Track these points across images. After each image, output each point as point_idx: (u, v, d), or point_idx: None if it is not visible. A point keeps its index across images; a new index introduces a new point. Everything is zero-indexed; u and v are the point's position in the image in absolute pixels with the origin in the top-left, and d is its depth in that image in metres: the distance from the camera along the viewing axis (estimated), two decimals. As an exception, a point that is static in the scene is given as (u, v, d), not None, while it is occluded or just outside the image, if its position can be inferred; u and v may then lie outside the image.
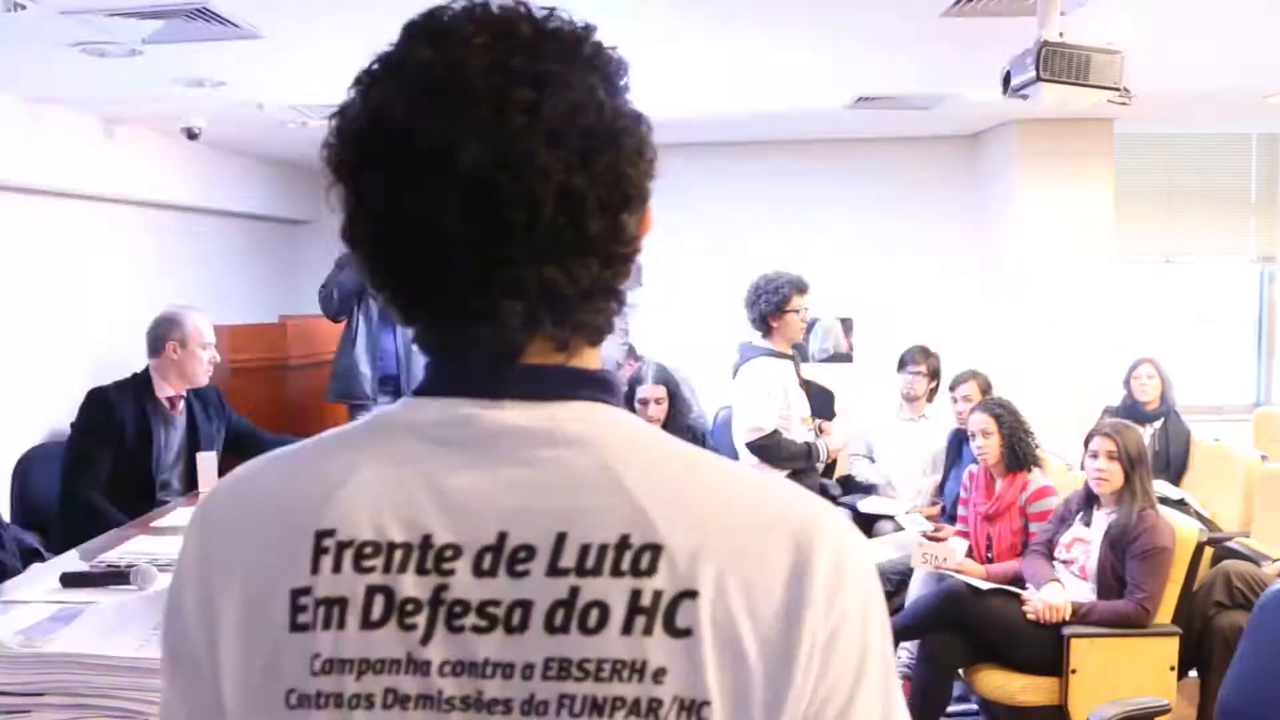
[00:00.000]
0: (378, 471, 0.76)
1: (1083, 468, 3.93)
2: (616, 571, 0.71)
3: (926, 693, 3.87)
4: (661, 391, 4.74)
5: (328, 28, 3.59)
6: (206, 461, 3.77)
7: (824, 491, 5.40)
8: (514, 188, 0.72)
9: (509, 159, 0.71)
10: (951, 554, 4.16)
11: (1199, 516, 4.67)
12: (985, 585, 3.84)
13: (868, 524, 5.15)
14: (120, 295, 5.38)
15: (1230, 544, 4.47)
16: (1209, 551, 4.13)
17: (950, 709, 3.97)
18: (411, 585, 0.73)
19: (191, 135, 5.18)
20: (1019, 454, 4.18)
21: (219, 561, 0.79)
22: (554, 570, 0.72)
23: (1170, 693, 3.45)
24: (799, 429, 4.54)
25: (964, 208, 6.76)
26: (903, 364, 5.37)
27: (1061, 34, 3.06)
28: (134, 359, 4.18)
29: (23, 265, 4.69)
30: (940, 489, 5.20)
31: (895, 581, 4.72)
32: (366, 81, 0.78)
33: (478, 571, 0.73)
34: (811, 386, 4.88)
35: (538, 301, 0.75)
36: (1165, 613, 3.64)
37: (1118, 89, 3.10)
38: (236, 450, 3.94)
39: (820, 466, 4.75)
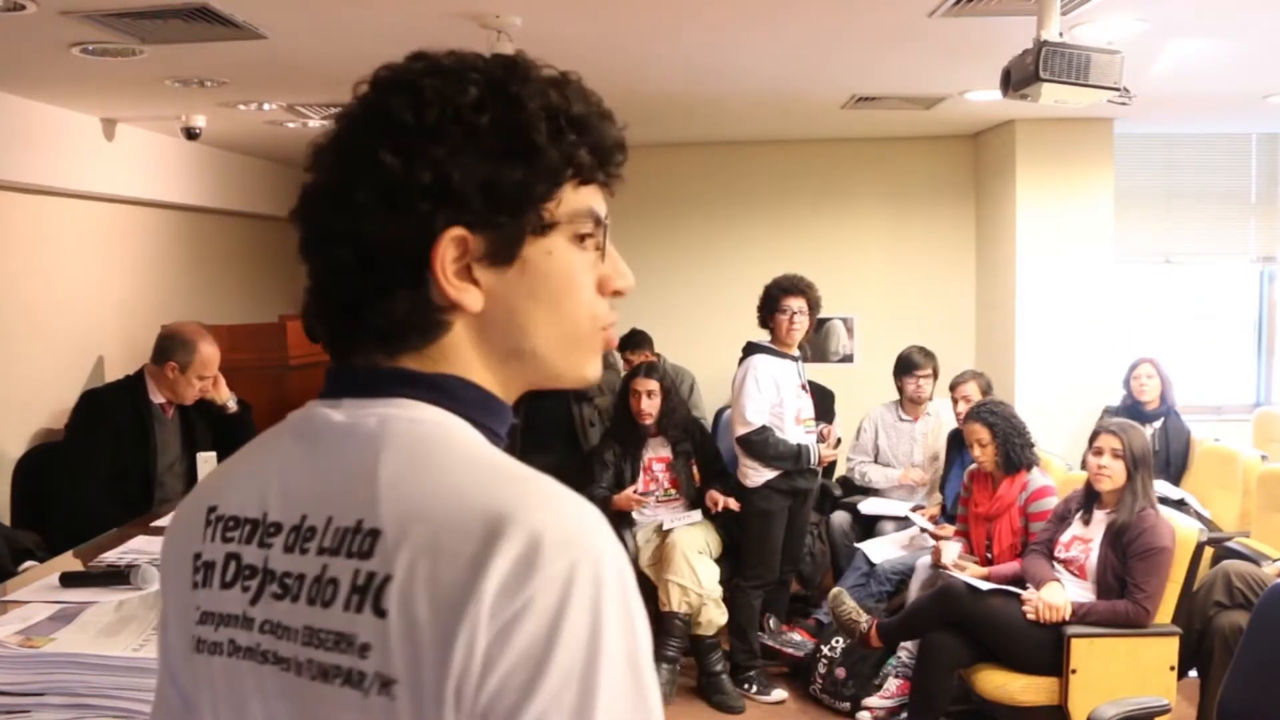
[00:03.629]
0: (256, 461, 0.91)
1: (1084, 466, 3.93)
2: (349, 552, 0.79)
3: (926, 692, 3.87)
4: (653, 385, 4.74)
5: (328, 28, 3.59)
6: (206, 462, 3.77)
7: (825, 492, 5.41)
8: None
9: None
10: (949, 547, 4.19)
11: (1199, 516, 4.67)
12: (985, 585, 3.84)
13: (869, 524, 5.15)
14: (120, 295, 5.38)
15: (1230, 544, 4.47)
16: (1209, 551, 4.13)
17: (950, 709, 3.97)
18: (251, 554, 0.85)
19: (191, 135, 5.18)
20: (1014, 456, 4.18)
21: (170, 537, 0.95)
22: (320, 549, 0.81)
23: (1170, 693, 3.45)
24: (793, 429, 4.53)
25: (964, 208, 6.76)
26: (908, 368, 5.35)
27: (1061, 34, 3.06)
28: (134, 359, 4.18)
29: (22, 265, 4.69)
30: (940, 488, 5.20)
31: (895, 581, 4.72)
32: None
33: (286, 547, 0.83)
34: (811, 387, 4.88)
35: (332, 312, 0.87)
36: (1165, 613, 3.64)
37: (1118, 89, 3.10)
38: (225, 443, 3.95)
39: (816, 470, 4.74)
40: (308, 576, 0.81)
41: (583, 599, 0.73)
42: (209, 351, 3.93)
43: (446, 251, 0.82)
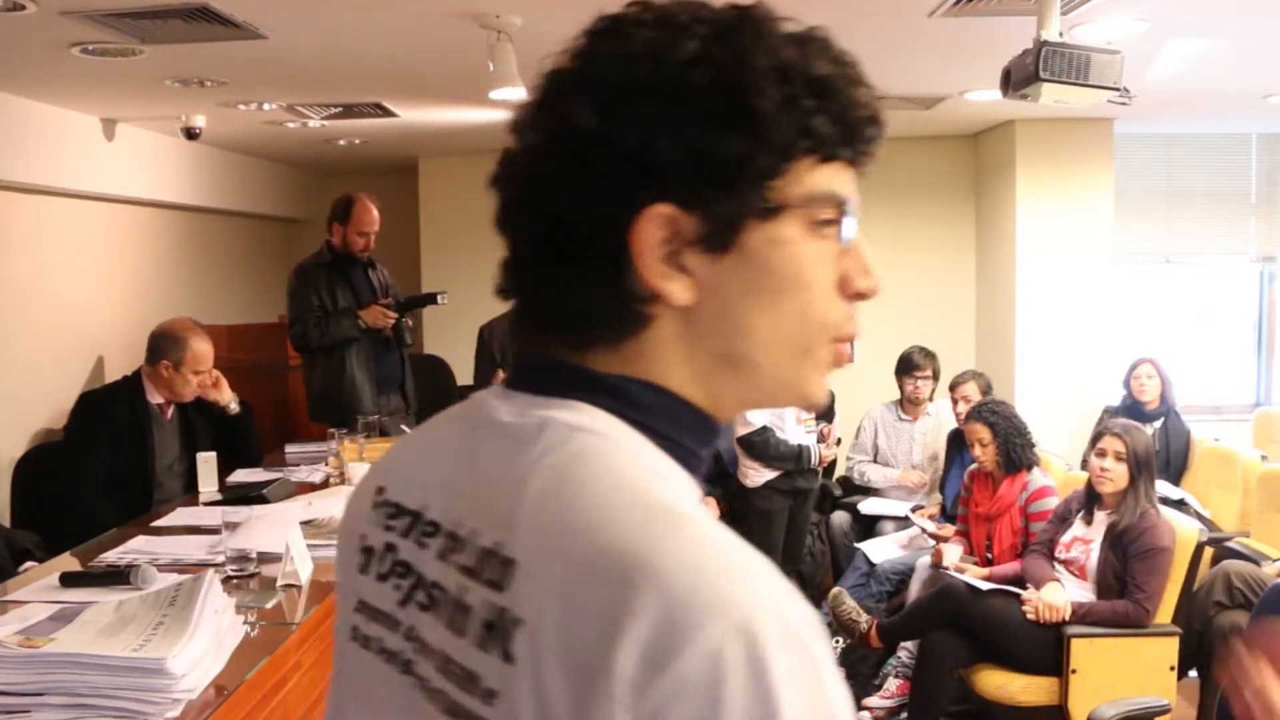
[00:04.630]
0: (427, 444, 0.83)
1: (1084, 466, 3.93)
2: (485, 579, 0.68)
3: (926, 692, 3.87)
4: None
5: (328, 28, 3.59)
6: (206, 462, 3.77)
7: (825, 492, 5.41)
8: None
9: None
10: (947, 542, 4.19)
11: (1199, 516, 4.67)
12: (985, 585, 3.84)
13: (869, 524, 5.15)
14: (120, 295, 5.39)
15: (1230, 544, 4.47)
16: (1209, 551, 4.13)
17: (950, 709, 3.97)
18: (407, 550, 0.77)
19: (191, 135, 5.18)
20: (1015, 458, 4.18)
21: (346, 511, 0.88)
22: (464, 568, 0.71)
23: (1170, 693, 3.45)
24: (794, 429, 4.54)
25: (964, 208, 6.76)
26: (908, 368, 5.36)
27: (1061, 34, 3.06)
28: (134, 360, 4.18)
29: (22, 265, 4.69)
30: (940, 488, 5.20)
31: (895, 581, 4.72)
32: None
33: (440, 553, 0.74)
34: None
35: (530, 296, 0.76)
36: (1165, 613, 3.64)
37: (1118, 89, 3.10)
38: (226, 443, 3.95)
39: (817, 469, 4.74)
40: (449, 594, 0.71)
41: (741, 676, 0.58)
42: (201, 346, 3.91)
43: (650, 231, 0.69)
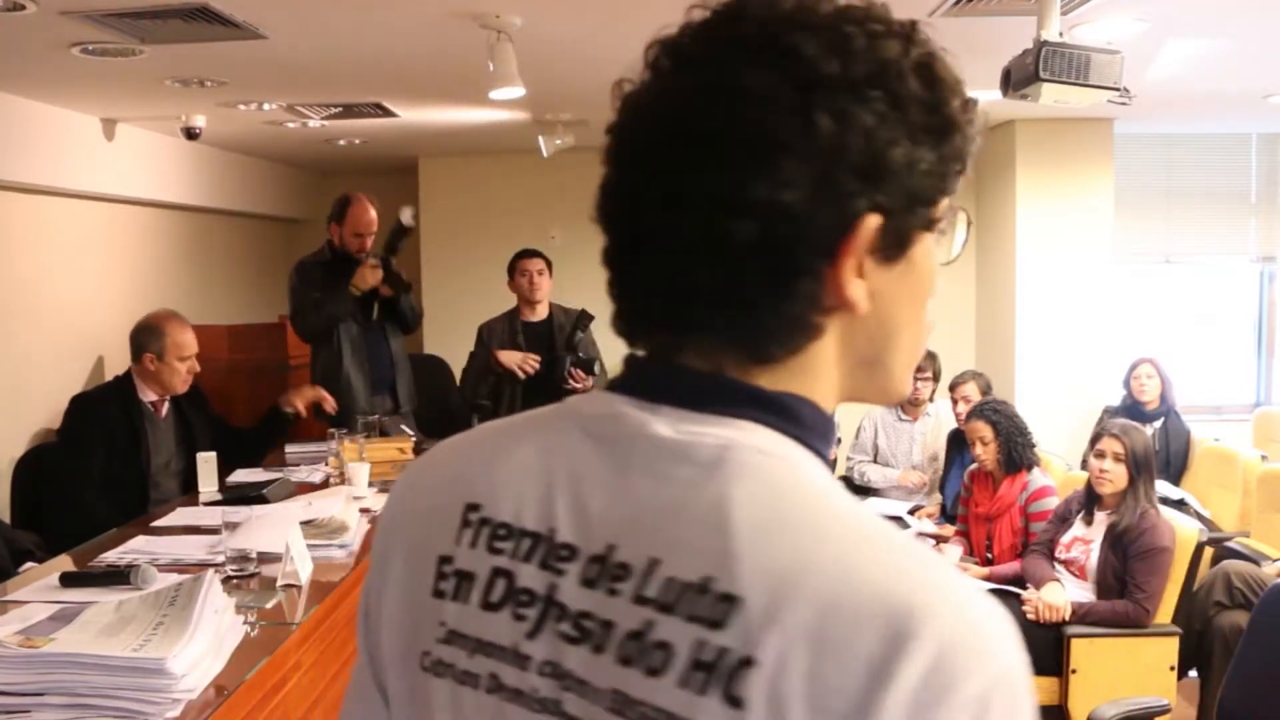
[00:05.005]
0: (532, 455, 0.74)
1: (1084, 466, 3.93)
2: (690, 616, 0.64)
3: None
4: None
5: (328, 28, 3.59)
6: (206, 461, 3.76)
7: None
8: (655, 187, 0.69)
9: (622, 130, 0.71)
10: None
11: (1199, 516, 4.68)
12: (985, 586, 3.84)
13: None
14: (120, 295, 5.39)
15: (1230, 544, 4.47)
16: (1209, 551, 4.13)
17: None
18: (530, 576, 0.71)
19: (191, 135, 5.18)
20: (1015, 457, 4.19)
21: (398, 520, 0.81)
22: (639, 598, 0.66)
23: (1170, 693, 3.45)
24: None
25: (963, 207, 6.75)
26: None
27: (1061, 34, 3.06)
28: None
29: (22, 265, 4.69)
30: (940, 488, 5.20)
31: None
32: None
33: (584, 580, 0.69)
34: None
35: (671, 300, 0.70)
36: (1165, 613, 3.64)
37: (1118, 89, 3.10)
38: (214, 449, 3.93)
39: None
40: (619, 627, 0.66)
41: (1002, 713, 0.60)
42: (180, 332, 3.90)
43: (861, 241, 0.68)
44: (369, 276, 4.56)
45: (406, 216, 4.57)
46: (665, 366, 0.72)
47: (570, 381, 4.87)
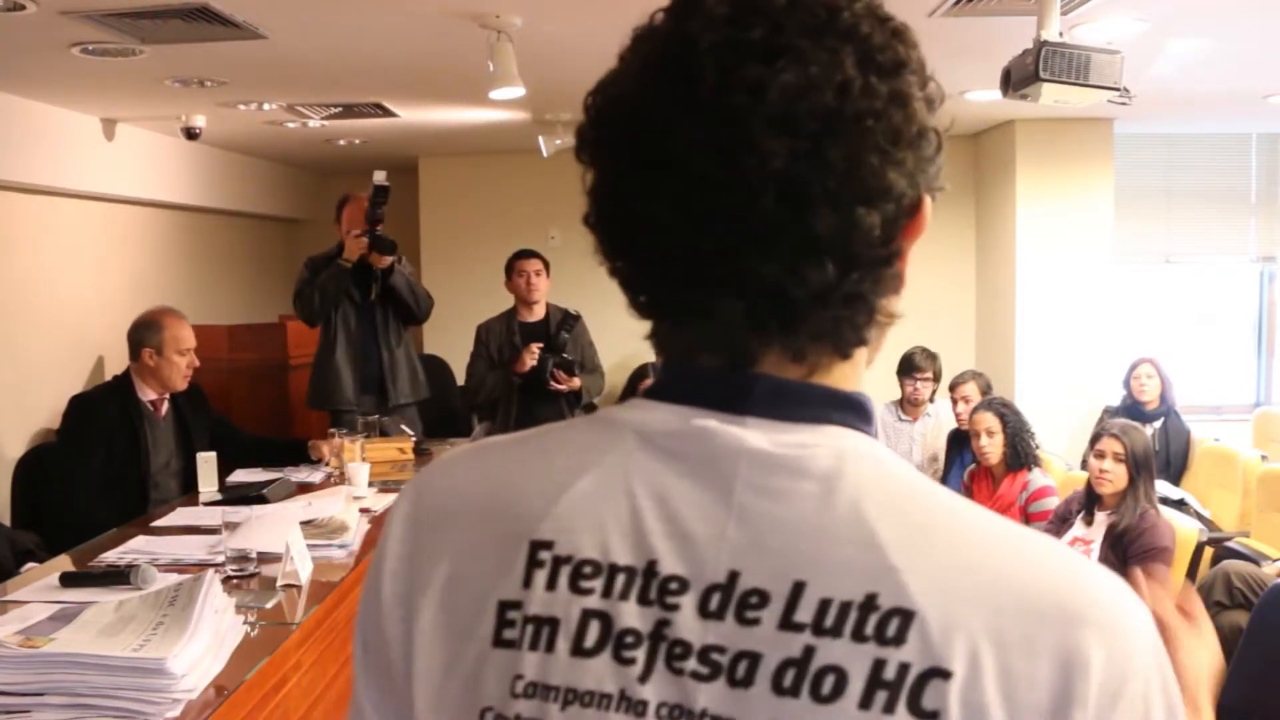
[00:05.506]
0: (603, 479, 0.68)
1: (1083, 466, 3.93)
2: (859, 635, 0.62)
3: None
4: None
5: (328, 28, 3.59)
6: (206, 462, 3.76)
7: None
8: (727, 175, 0.63)
9: (725, 143, 0.63)
10: None
11: (1199, 516, 4.67)
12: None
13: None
14: (120, 295, 5.39)
15: (1230, 544, 4.47)
16: (1209, 551, 4.13)
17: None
18: (632, 615, 0.65)
19: (191, 135, 5.18)
20: (1020, 454, 4.19)
21: (423, 557, 0.73)
22: (787, 624, 0.63)
23: (1170, 693, 3.45)
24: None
25: (964, 208, 6.76)
26: (908, 369, 5.36)
27: (1061, 34, 3.06)
28: (134, 359, 4.18)
29: (22, 265, 4.70)
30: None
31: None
32: (621, 57, 0.70)
33: (704, 612, 0.64)
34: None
35: (760, 303, 0.66)
36: (1165, 613, 3.64)
37: (1118, 89, 3.10)
38: (214, 449, 3.93)
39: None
40: (767, 657, 0.62)
41: (1160, 689, 0.64)
42: (177, 325, 3.90)
43: (924, 220, 0.68)
44: (354, 247, 4.56)
45: (380, 177, 4.49)
46: (748, 375, 0.68)
47: (553, 383, 4.86)
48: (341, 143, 6.24)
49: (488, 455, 0.75)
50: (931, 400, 5.40)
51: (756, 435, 0.66)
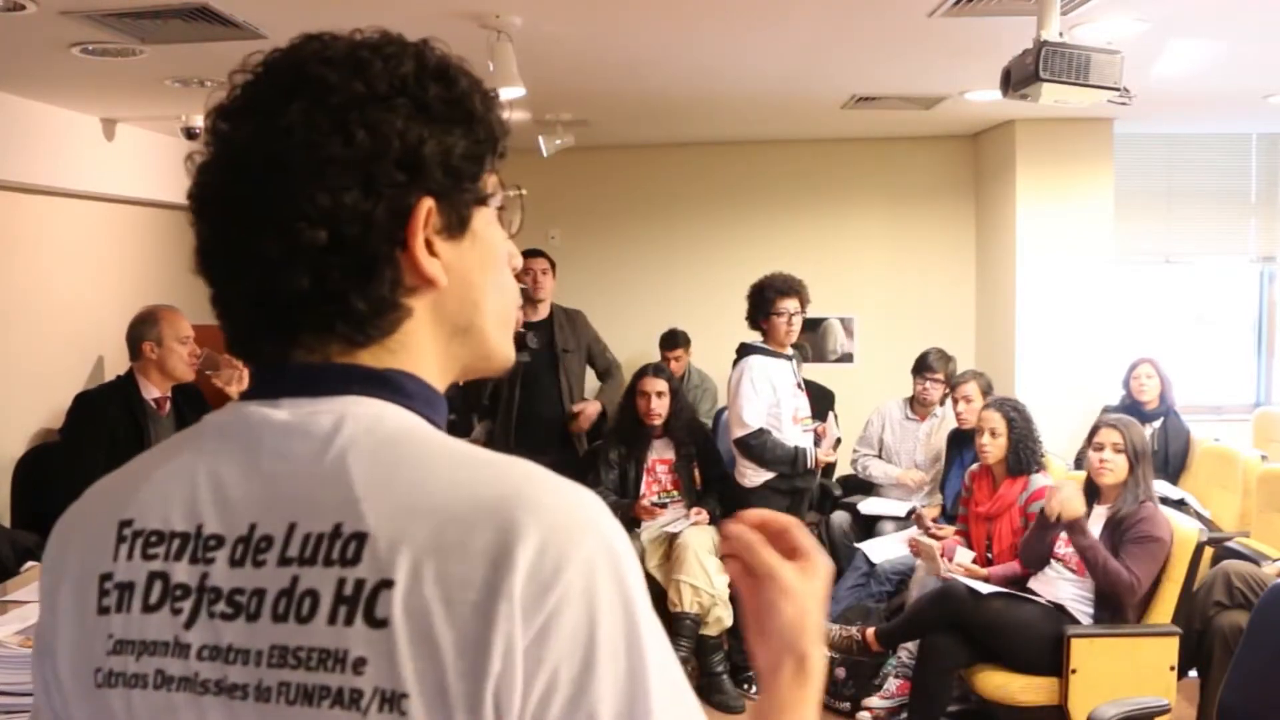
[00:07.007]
0: (178, 466, 0.81)
1: (1078, 463, 3.93)
2: (328, 560, 0.73)
3: (926, 693, 3.87)
4: (662, 385, 4.75)
5: (327, 28, 3.59)
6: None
7: (825, 492, 5.41)
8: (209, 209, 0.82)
9: (204, 188, 0.82)
10: (935, 549, 4.18)
11: (1199, 516, 4.67)
12: (985, 588, 3.84)
13: (869, 524, 5.15)
14: (120, 295, 5.38)
15: (1230, 544, 4.47)
16: (1209, 551, 4.13)
17: (950, 709, 3.97)
18: (183, 572, 0.77)
19: (191, 135, 5.18)
20: (1023, 459, 4.16)
21: (60, 555, 0.85)
22: (283, 559, 0.74)
23: (1170, 693, 3.45)
24: (791, 429, 4.53)
25: (964, 208, 6.76)
26: (921, 368, 5.35)
27: (1061, 34, 3.06)
28: (134, 359, 4.18)
29: (22, 265, 4.69)
30: (940, 489, 5.19)
31: (895, 582, 4.72)
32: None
33: (232, 561, 0.76)
34: (811, 386, 4.88)
35: (266, 309, 0.80)
36: (1165, 613, 3.64)
37: (1118, 89, 3.10)
38: None
39: (815, 471, 4.73)
40: (269, 591, 0.74)
41: (608, 577, 0.72)
42: (171, 316, 3.91)
43: (421, 224, 0.80)
44: None
45: None
46: (278, 366, 0.81)
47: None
48: (341, 143, 6.24)
49: (121, 469, 0.87)
50: (942, 403, 5.38)
51: (282, 412, 0.79)
